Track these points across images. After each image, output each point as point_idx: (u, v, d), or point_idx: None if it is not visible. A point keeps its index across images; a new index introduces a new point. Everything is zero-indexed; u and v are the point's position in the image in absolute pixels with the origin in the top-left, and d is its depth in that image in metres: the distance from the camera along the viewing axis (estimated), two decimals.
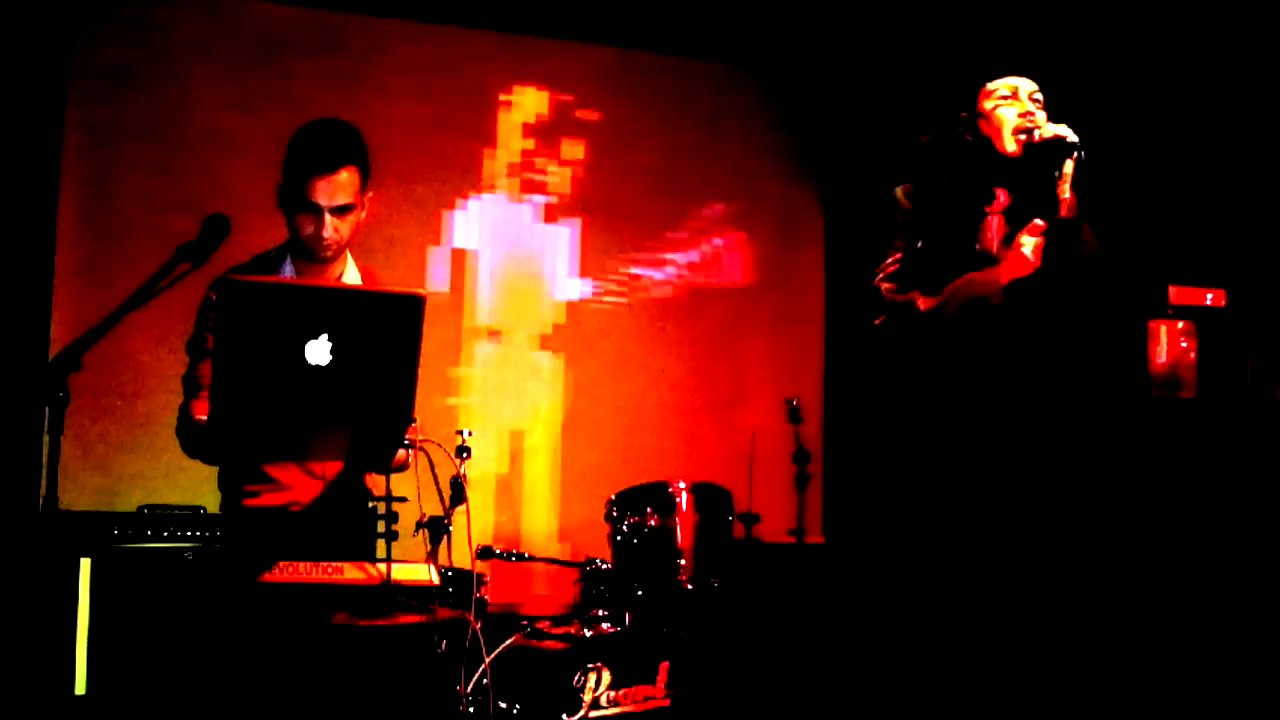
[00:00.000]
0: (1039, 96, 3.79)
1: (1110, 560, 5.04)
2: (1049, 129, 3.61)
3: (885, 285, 3.73)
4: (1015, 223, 3.70)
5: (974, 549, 3.70)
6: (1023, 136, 3.66)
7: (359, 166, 3.67)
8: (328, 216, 3.62)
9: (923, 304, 3.66)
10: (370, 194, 3.75)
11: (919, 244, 3.72)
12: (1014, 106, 3.73)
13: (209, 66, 5.93)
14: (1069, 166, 3.53)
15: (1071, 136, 3.56)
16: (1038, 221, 3.60)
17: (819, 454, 6.48)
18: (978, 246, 3.72)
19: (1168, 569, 5.21)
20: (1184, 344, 5.25)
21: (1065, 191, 3.53)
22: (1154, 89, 5.95)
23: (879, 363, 3.94)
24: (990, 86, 3.80)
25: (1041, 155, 3.59)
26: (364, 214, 3.75)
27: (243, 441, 3.19)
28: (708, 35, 6.71)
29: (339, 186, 3.61)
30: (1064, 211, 3.53)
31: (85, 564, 2.98)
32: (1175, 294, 5.34)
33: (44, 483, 2.91)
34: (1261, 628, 5.02)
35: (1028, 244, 3.60)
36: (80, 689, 2.93)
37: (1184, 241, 5.77)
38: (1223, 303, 5.47)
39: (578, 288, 6.63)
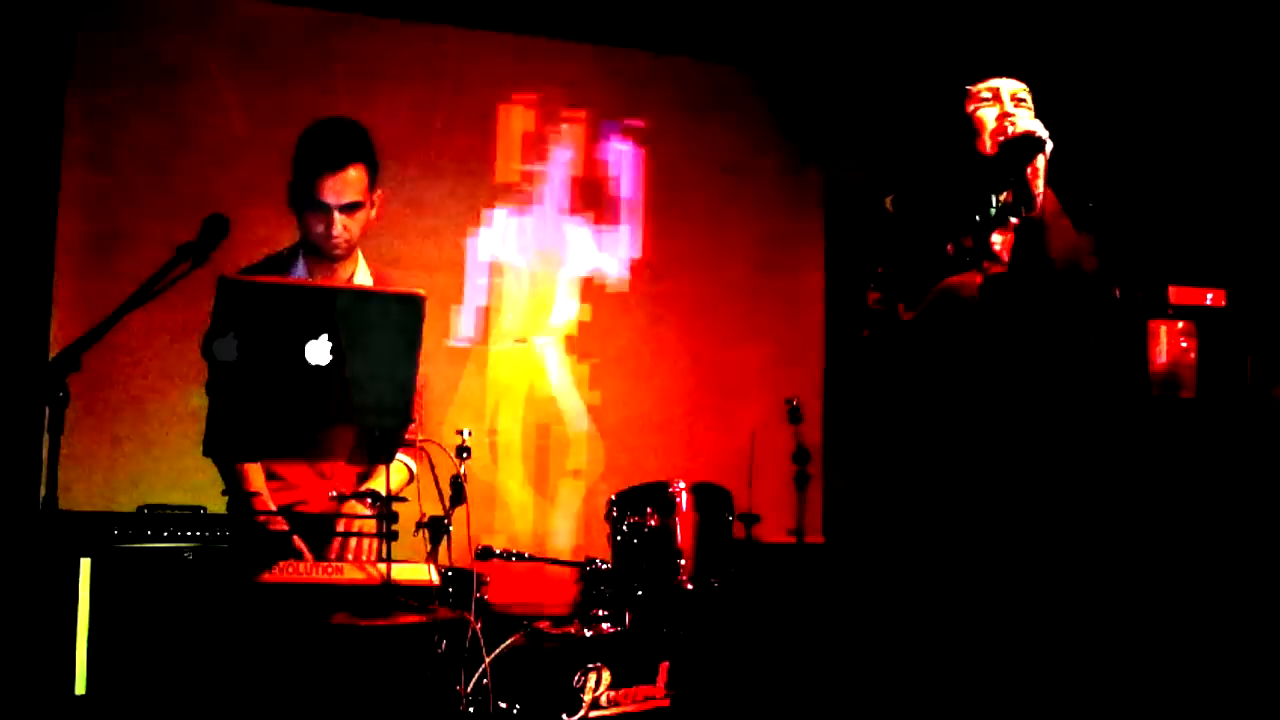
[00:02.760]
0: (1023, 96, 3.70)
1: (1109, 558, 5.03)
2: (1021, 124, 3.53)
3: (872, 295, 3.70)
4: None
5: (968, 549, 3.70)
6: (1001, 139, 3.56)
7: (367, 165, 3.68)
8: (336, 215, 3.63)
9: (905, 314, 3.62)
10: (379, 191, 3.76)
11: (907, 252, 3.67)
12: (994, 108, 3.66)
13: (211, 64, 5.92)
14: (1040, 162, 3.47)
15: (1042, 132, 3.49)
16: (1013, 220, 3.56)
17: (819, 454, 6.47)
18: (975, 253, 3.64)
19: (1169, 567, 5.21)
20: (1184, 344, 5.26)
21: (1038, 186, 3.47)
22: (1154, 89, 5.95)
23: (867, 373, 3.90)
24: (973, 89, 3.73)
25: (1013, 152, 3.51)
26: (374, 212, 3.76)
27: (243, 440, 3.19)
28: (707, 35, 6.70)
29: (347, 184, 3.63)
30: (1037, 207, 3.46)
31: (85, 564, 2.98)
32: (1175, 294, 5.35)
33: (44, 483, 2.91)
34: (1262, 626, 5.02)
35: (998, 242, 3.59)
36: (80, 689, 2.92)
37: (1184, 241, 5.77)
38: (1223, 303, 5.47)
39: (578, 288, 6.62)
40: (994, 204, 3.67)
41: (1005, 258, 3.56)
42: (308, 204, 3.65)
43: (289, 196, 3.71)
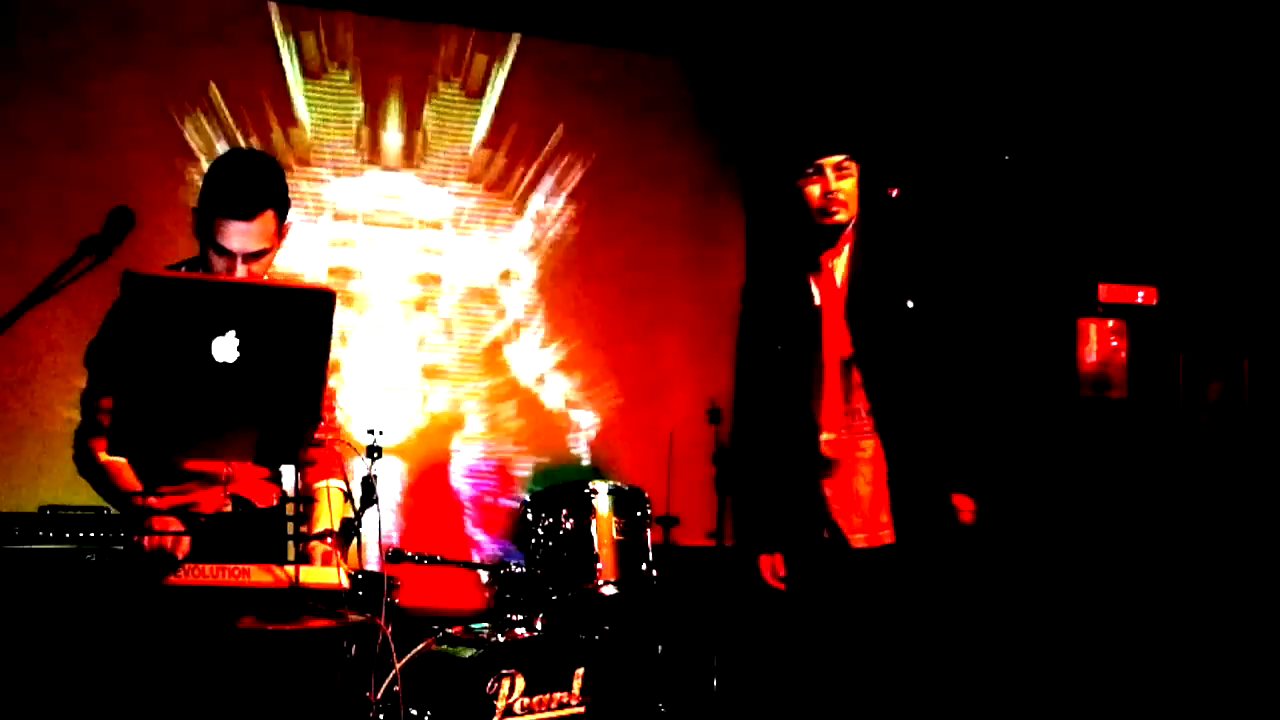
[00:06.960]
0: (846, 166, 4.14)
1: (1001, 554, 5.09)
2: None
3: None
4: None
5: None
6: (823, 216, 4.11)
7: (276, 208, 3.53)
8: (239, 262, 3.49)
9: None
10: (288, 223, 3.62)
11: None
12: (818, 185, 4.12)
13: (119, 56, 5.82)
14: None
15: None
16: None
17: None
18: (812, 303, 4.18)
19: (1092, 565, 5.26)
20: (1114, 343, 5.32)
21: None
22: (1085, 88, 5.98)
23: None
24: (804, 164, 4.17)
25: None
26: (280, 246, 3.61)
27: (146, 438, 3.10)
28: (625, 24, 6.64)
29: (253, 235, 3.47)
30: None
31: None
32: (1105, 292, 5.40)
33: None
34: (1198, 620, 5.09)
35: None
36: None
37: (1116, 240, 5.81)
38: (1154, 300, 5.54)
39: (495, 282, 6.56)
40: None
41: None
42: (211, 242, 3.48)
43: (194, 222, 3.55)
